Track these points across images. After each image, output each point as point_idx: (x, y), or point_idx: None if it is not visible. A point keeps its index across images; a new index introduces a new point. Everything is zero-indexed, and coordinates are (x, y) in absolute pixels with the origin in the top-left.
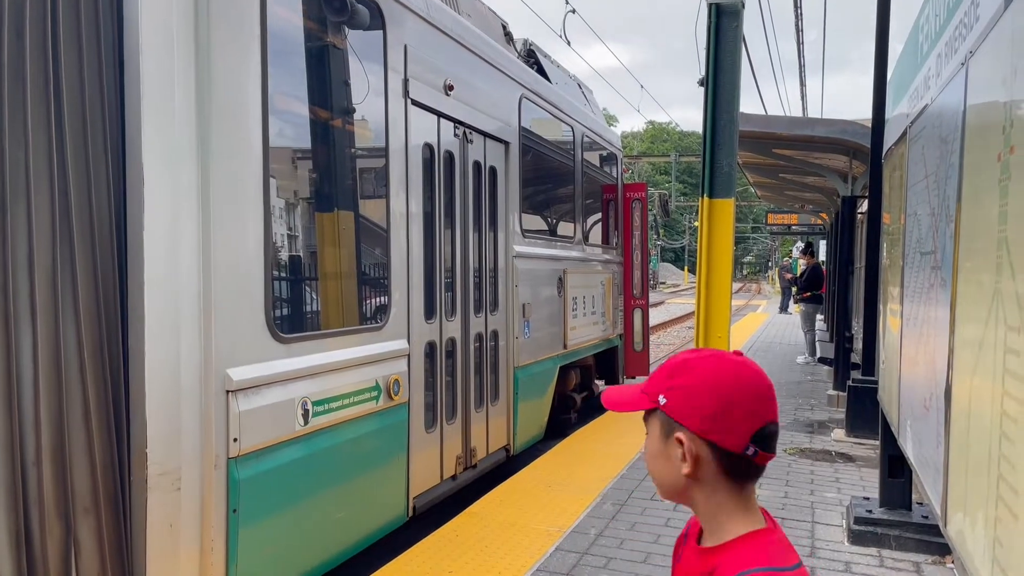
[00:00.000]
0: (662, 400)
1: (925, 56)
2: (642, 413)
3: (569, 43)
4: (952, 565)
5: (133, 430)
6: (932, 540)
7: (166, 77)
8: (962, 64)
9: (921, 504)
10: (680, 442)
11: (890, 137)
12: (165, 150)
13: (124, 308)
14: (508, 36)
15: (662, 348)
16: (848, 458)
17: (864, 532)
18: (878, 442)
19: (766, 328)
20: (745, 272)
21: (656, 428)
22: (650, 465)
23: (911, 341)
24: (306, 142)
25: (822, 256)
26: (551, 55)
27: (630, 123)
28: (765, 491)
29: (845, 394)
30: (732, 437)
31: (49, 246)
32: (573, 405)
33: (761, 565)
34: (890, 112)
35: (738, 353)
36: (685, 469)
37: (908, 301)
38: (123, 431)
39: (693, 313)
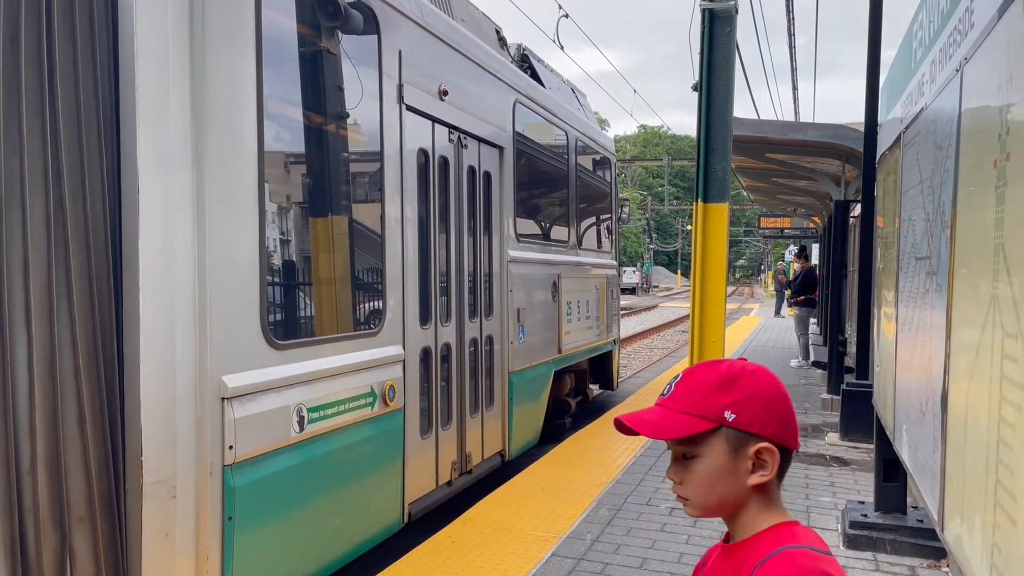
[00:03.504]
0: (729, 416)
1: (919, 62)
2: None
3: (562, 47)
4: (948, 569)
5: (128, 438)
6: (928, 544)
7: (161, 82)
8: (957, 70)
9: (916, 508)
10: (760, 452)
11: (883, 142)
12: (160, 156)
13: (119, 315)
14: (502, 41)
15: (655, 352)
16: (842, 462)
17: (859, 536)
18: (872, 446)
19: (759, 332)
20: (738, 276)
21: (719, 447)
22: (708, 486)
23: (906, 346)
24: (301, 147)
25: (815, 260)
26: (544, 59)
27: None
28: None
29: (839, 398)
30: (793, 437)
31: (44, 252)
32: (568, 410)
33: (798, 543)
34: (883, 117)
35: (743, 360)
36: (759, 479)
37: (903, 306)
38: (118, 439)
39: (686, 317)
